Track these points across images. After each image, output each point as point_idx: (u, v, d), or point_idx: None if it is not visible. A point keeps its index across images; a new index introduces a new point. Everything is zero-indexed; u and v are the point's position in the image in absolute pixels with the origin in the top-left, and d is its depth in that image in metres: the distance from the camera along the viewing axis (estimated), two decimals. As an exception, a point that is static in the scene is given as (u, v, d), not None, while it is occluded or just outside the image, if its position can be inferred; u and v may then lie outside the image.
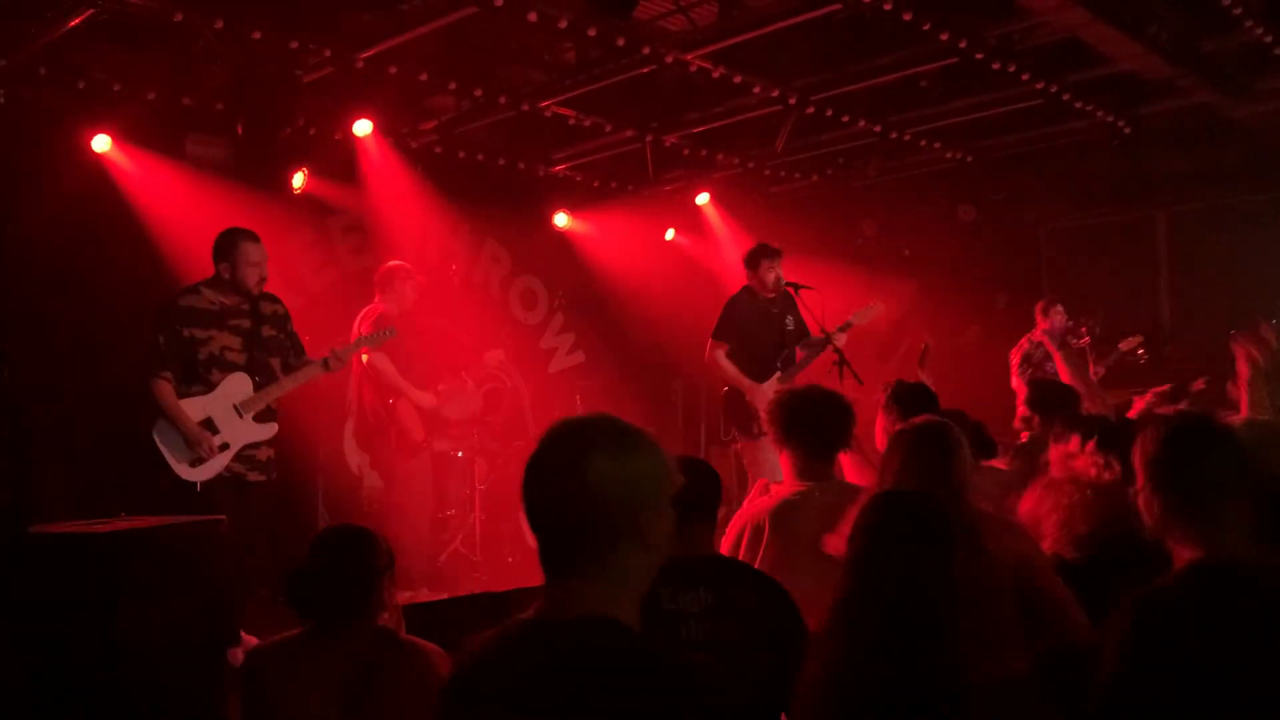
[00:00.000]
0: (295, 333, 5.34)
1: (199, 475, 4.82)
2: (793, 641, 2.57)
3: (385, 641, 2.61)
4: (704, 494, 2.90)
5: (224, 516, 3.81)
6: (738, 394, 6.22)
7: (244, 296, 5.04)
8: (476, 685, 1.60)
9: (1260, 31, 6.05)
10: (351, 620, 2.64)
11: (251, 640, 4.19)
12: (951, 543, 2.26)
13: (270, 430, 5.08)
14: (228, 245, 5.02)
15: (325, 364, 5.24)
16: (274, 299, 5.24)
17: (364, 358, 6.13)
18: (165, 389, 4.82)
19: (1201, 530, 2.08)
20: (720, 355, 6.22)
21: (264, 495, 5.12)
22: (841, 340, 5.99)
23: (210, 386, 4.92)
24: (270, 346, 5.15)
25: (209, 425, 4.88)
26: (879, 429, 4.23)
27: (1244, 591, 1.99)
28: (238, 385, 4.98)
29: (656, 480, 1.66)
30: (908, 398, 4.15)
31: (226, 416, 4.93)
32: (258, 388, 5.04)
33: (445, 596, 5.82)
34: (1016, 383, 7.59)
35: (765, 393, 5.89)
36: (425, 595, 5.95)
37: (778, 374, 6.19)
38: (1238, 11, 5.77)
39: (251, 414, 5.00)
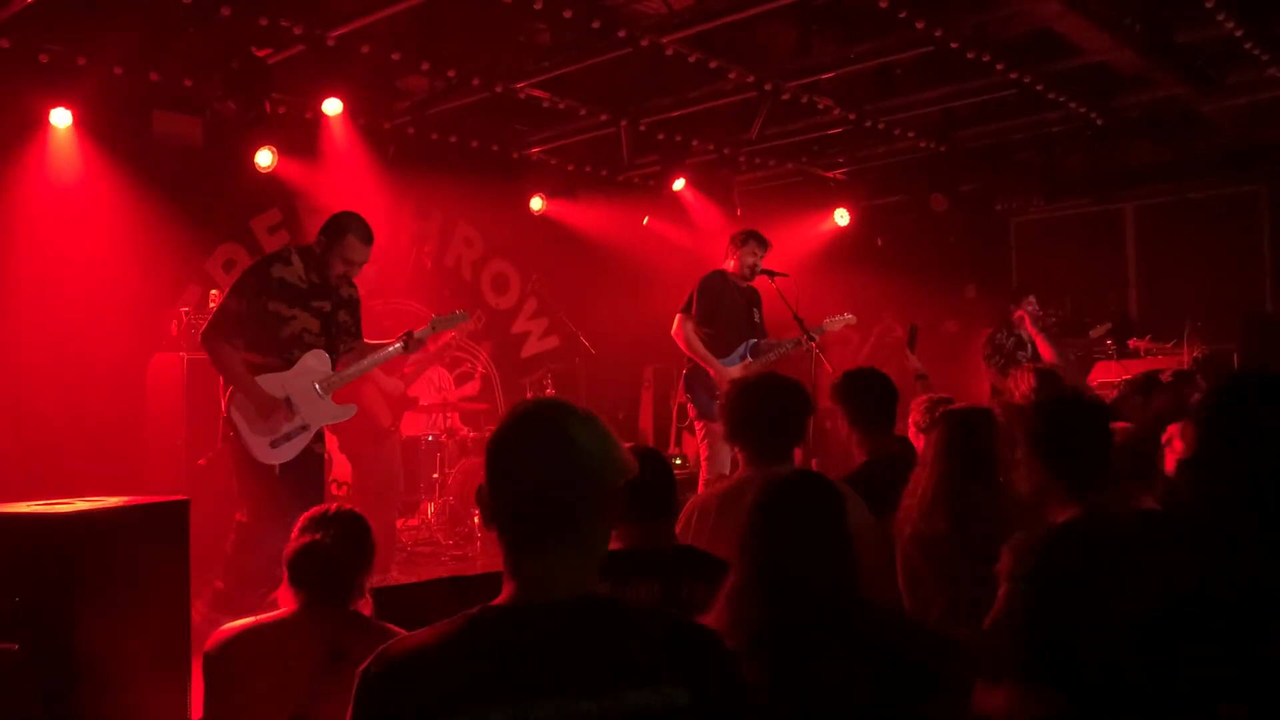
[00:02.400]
0: (360, 318, 5.02)
1: (280, 457, 4.51)
2: None
3: (357, 626, 2.59)
4: (656, 488, 2.87)
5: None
6: (700, 371, 6.19)
7: (328, 282, 4.73)
8: (459, 675, 1.54)
9: (1231, 25, 6.09)
10: (332, 604, 2.61)
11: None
12: (844, 514, 2.29)
13: (350, 411, 4.85)
14: (335, 229, 4.69)
15: (405, 346, 4.96)
16: (351, 283, 4.92)
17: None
18: (229, 353, 4.51)
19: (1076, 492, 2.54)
20: (689, 329, 6.18)
21: (321, 464, 4.85)
22: (812, 345, 5.99)
23: (289, 363, 4.60)
24: (343, 331, 4.87)
25: (288, 404, 4.57)
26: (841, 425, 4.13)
27: (1115, 539, 2.43)
28: (317, 362, 4.68)
29: (622, 456, 1.69)
30: (857, 393, 3.93)
31: (306, 396, 4.61)
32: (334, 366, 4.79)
33: (414, 580, 5.80)
34: (988, 372, 7.66)
35: (731, 373, 5.87)
36: (394, 578, 5.92)
37: (747, 361, 6.17)
38: (1209, 5, 5.81)
39: (331, 394, 4.72)
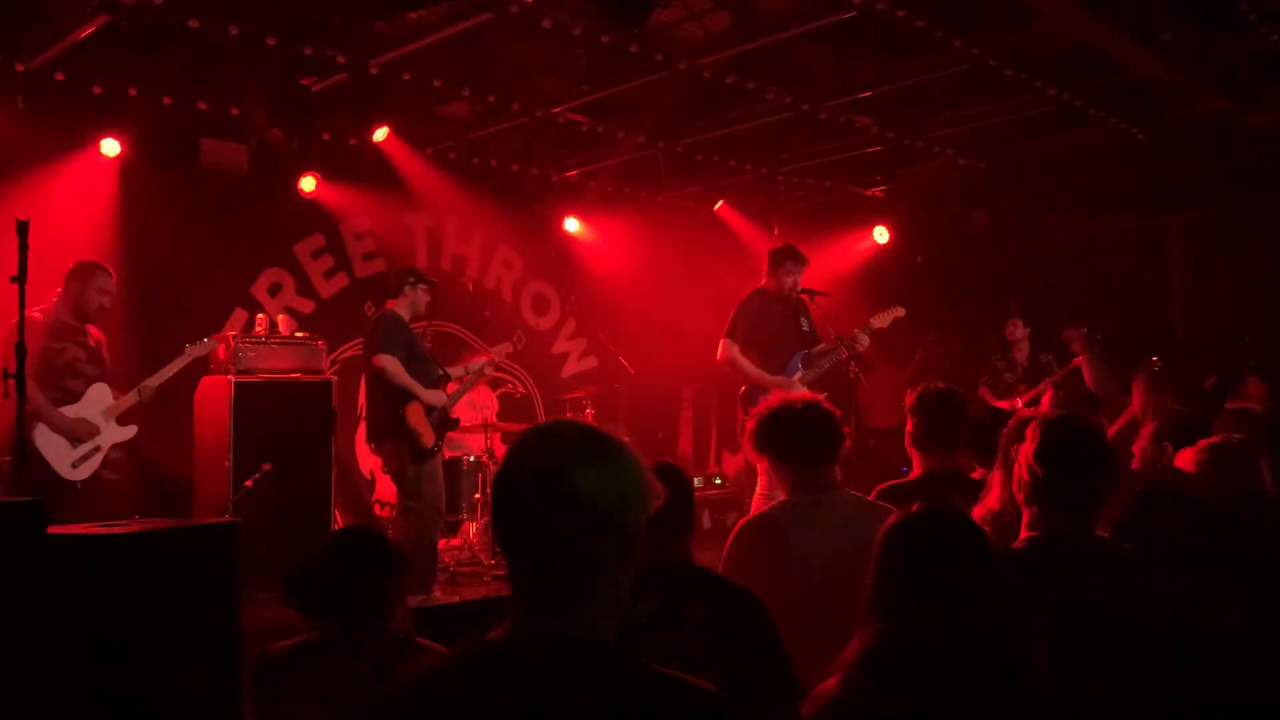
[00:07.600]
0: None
1: (80, 474, 5.20)
2: (750, 656, 2.41)
3: (401, 645, 2.61)
4: (667, 502, 2.80)
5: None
6: (756, 390, 6.16)
7: (80, 321, 5.35)
8: (452, 709, 1.48)
9: (1275, 38, 6.01)
10: (368, 622, 2.63)
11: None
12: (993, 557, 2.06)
13: (131, 431, 5.49)
14: (83, 270, 5.39)
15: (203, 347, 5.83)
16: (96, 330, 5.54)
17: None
18: (31, 389, 4.89)
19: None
20: (735, 353, 6.17)
21: (116, 493, 5.40)
22: (864, 343, 5.94)
23: (68, 394, 5.24)
24: (106, 365, 5.49)
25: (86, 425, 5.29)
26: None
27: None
28: (100, 394, 5.39)
29: (642, 492, 1.55)
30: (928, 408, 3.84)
31: (96, 420, 5.31)
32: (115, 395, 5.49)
33: (456, 600, 5.84)
34: (982, 392, 7.67)
35: (794, 387, 5.83)
36: (437, 599, 5.96)
37: (799, 374, 6.12)
38: (1253, 17, 5.75)
39: (114, 418, 5.39)
